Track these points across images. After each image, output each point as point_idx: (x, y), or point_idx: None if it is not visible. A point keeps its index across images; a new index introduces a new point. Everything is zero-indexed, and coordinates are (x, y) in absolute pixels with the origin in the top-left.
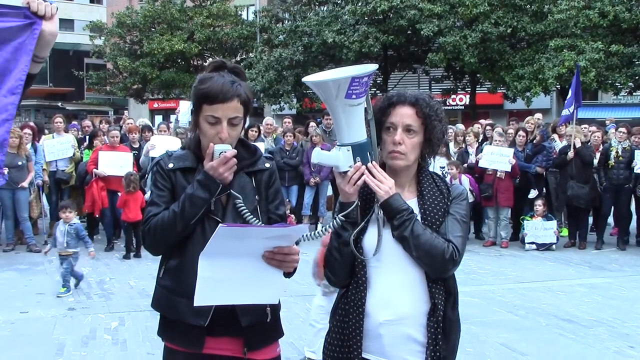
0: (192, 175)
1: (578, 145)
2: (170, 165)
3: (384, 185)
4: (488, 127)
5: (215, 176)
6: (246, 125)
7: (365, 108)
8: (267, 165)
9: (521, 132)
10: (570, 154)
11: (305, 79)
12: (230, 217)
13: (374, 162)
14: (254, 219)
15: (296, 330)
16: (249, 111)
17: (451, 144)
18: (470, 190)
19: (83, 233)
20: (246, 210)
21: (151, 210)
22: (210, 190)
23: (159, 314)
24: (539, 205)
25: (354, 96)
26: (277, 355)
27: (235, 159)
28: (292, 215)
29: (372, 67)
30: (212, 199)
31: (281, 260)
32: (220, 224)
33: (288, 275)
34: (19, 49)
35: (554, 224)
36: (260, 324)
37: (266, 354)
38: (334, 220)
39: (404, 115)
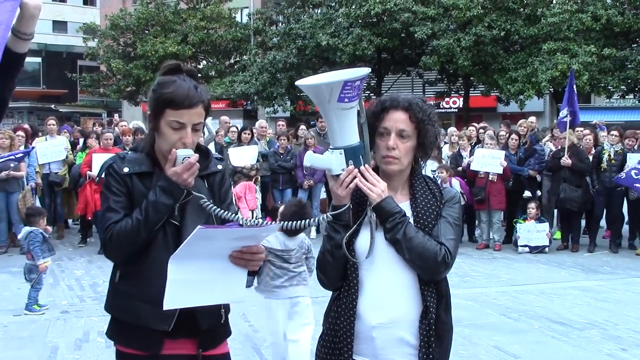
0: (149, 180)
1: (568, 162)
2: (126, 170)
3: (376, 189)
4: (482, 130)
5: (180, 182)
6: (239, 128)
7: (358, 111)
8: (219, 167)
9: (514, 136)
10: (565, 158)
11: (298, 83)
12: (190, 219)
13: (366, 165)
14: (232, 214)
15: None
16: (208, 116)
17: (445, 147)
18: (461, 192)
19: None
20: (217, 208)
21: (111, 217)
22: (174, 196)
23: (110, 316)
24: (532, 208)
25: (346, 100)
26: (227, 351)
27: (198, 164)
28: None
29: (365, 71)
30: (177, 205)
31: (249, 260)
32: (198, 226)
33: (253, 273)
34: None
35: (546, 226)
36: (215, 326)
37: (218, 350)
38: (323, 215)
39: (398, 120)
